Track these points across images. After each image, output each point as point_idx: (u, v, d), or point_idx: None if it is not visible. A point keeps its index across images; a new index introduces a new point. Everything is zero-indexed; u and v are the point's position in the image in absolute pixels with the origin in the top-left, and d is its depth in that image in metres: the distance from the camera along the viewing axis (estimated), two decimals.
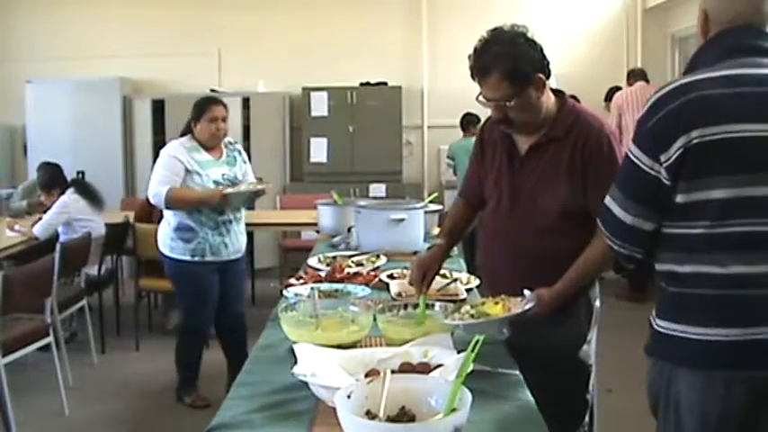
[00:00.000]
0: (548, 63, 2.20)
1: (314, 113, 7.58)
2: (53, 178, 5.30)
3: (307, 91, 7.58)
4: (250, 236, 5.92)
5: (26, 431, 3.80)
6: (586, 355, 2.35)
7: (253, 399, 1.78)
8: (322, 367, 1.72)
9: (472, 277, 2.85)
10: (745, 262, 1.62)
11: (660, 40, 7.88)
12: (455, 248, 3.60)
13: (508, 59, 2.12)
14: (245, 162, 4.08)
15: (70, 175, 5.69)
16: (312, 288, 2.51)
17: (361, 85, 7.66)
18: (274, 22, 7.90)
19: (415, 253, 3.45)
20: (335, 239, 3.86)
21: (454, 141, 7.32)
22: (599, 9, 7.96)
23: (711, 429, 1.68)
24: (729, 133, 1.61)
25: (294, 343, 1.91)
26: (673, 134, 1.64)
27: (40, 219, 5.14)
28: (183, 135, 3.93)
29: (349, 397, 1.42)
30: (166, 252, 3.96)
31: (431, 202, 4.11)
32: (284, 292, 2.65)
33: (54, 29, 7.96)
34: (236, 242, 4.01)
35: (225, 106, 3.92)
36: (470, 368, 1.48)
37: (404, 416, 1.44)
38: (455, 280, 2.71)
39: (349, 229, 3.82)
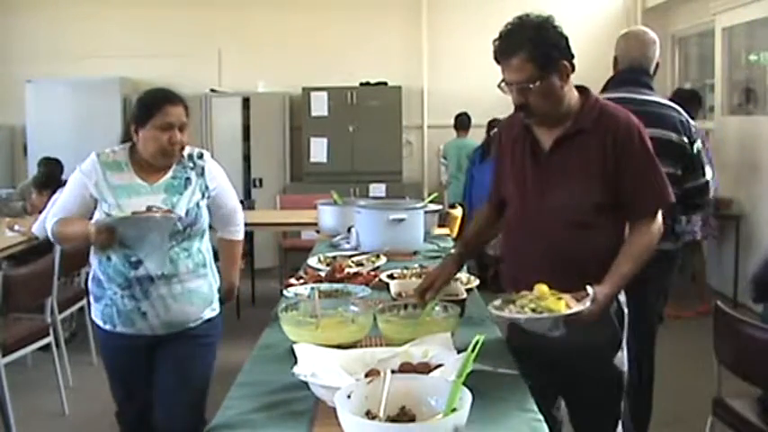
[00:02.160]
0: (573, 56, 2.16)
1: (314, 113, 7.58)
2: (48, 178, 5.32)
3: (307, 91, 7.58)
4: (249, 236, 5.94)
5: (26, 431, 3.80)
6: (620, 362, 2.29)
7: (253, 399, 1.78)
8: (322, 367, 1.72)
9: (472, 277, 2.85)
10: None
11: (660, 39, 7.82)
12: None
13: (534, 41, 2.09)
14: (204, 189, 2.63)
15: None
16: (312, 288, 2.51)
17: (361, 85, 7.67)
18: (274, 22, 7.90)
19: (415, 253, 3.45)
20: (335, 239, 3.86)
21: (447, 141, 7.33)
22: (599, 9, 7.96)
23: None
24: None
25: (294, 343, 1.91)
26: None
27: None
28: (123, 141, 2.69)
29: (349, 397, 1.42)
30: None
31: (431, 202, 4.11)
32: (284, 292, 2.65)
33: (54, 29, 7.95)
34: (167, 312, 2.54)
35: (185, 107, 2.58)
36: (470, 368, 1.48)
37: (404, 416, 1.44)
38: (455, 280, 2.70)
39: (349, 229, 3.81)
